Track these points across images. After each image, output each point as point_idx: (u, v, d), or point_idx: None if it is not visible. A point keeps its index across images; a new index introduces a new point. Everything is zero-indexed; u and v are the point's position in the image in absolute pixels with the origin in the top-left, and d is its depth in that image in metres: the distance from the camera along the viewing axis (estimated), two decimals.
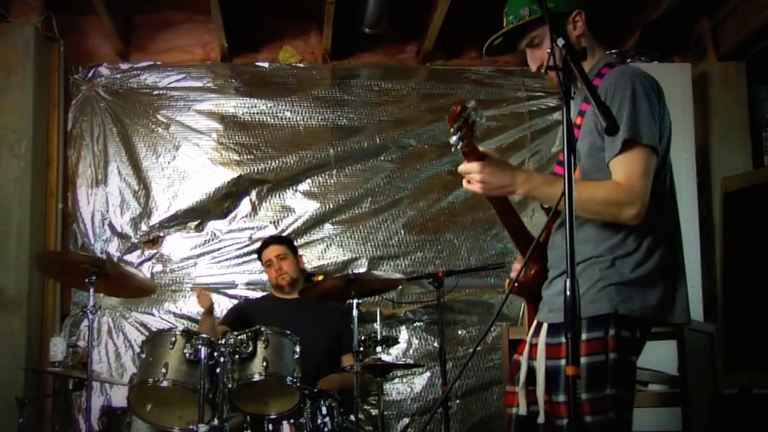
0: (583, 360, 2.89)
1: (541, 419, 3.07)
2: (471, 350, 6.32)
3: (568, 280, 2.51)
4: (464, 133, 2.89)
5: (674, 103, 6.39)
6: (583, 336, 2.89)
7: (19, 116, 6.17)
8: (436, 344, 6.23)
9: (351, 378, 4.86)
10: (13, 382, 5.82)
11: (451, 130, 2.91)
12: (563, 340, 2.97)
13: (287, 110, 6.65)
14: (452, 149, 2.96)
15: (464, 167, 3.02)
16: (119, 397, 5.94)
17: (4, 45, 6.23)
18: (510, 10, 3.25)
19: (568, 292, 2.50)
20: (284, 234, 6.41)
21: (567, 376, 2.48)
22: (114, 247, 6.46)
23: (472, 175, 3.00)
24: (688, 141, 6.25)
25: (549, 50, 2.63)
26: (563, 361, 2.96)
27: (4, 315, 5.97)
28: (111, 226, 6.48)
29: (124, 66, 6.68)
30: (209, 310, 5.82)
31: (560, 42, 2.59)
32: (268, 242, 5.99)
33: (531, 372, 3.15)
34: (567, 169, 2.51)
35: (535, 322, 3.23)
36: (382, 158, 6.66)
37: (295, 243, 6.28)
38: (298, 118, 6.65)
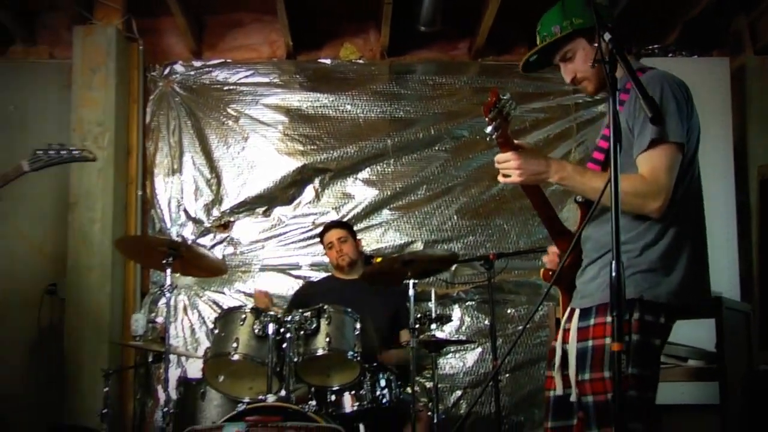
0: (607, 341, 2.93)
1: (573, 398, 3.09)
2: (519, 328, 6.30)
3: (613, 262, 2.51)
4: (499, 123, 2.92)
5: (713, 95, 6.33)
6: (608, 319, 2.91)
7: (102, 111, 6.22)
8: (486, 322, 6.24)
9: (408, 353, 4.83)
10: (99, 355, 5.91)
11: (487, 119, 2.92)
12: (591, 322, 3.01)
13: (348, 104, 6.64)
14: (487, 138, 3.00)
15: (501, 156, 3.06)
16: (194, 369, 6.01)
17: (89, 45, 6.27)
18: (542, 28, 3.26)
19: (614, 273, 2.51)
20: (345, 219, 6.39)
21: (612, 351, 2.50)
22: (188, 231, 6.51)
23: (509, 163, 3.04)
24: (726, 131, 6.23)
25: (596, 44, 2.62)
26: (590, 342, 3.02)
27: (91, 293, 6.04)
28: (186, 211, 6.54)
29: (197, 63, 6.71)
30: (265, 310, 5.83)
31: (606, 36, 2.58)
32: (329, 226, 5.99)
33: (565, 356, 3.16)
34: (613, 157, 2.53)
35: (568, 309, 3.24)
36: (437, 148, 6.62)
37: (355, 227, 6.27)
38: (358, 111, 6.64)
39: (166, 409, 4.69)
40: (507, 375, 6.24)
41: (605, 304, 2.70)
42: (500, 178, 3.10)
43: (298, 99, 6.65)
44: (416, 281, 4.92)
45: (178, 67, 6.68)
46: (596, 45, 2.65)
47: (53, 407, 6.02)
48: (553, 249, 3.39)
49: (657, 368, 3.04)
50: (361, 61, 6.78)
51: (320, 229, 6.12)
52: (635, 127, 2.99)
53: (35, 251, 6.37)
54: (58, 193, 6.26)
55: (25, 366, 6.22)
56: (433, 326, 5.41)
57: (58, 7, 6.53)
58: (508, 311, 6.39)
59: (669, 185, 2.94)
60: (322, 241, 5.98)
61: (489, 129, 2.97)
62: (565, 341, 3.17)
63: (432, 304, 5.45)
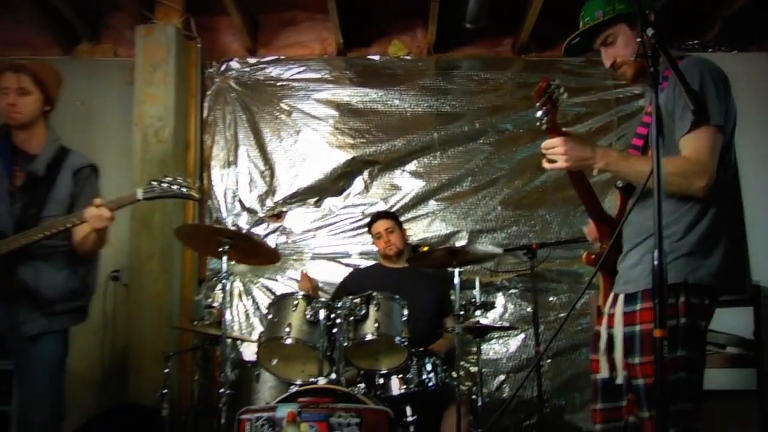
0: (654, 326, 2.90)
1: (620, 380, 3.11)
2: (561, 315, 6.29)
3: (656, 251, 2.52)
4: (548, 108, 2.96)
5: (752, 90, 6.26)
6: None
7: (163, 106, 6.30)
8: (529, 309, 6.24)
9: (453, 339, 4.86)
10: (159, 338, 5.99)
11: (537, 104, 2.95)
12: (637, 307, 3.01)
13: (396, 98, 6.67)
14: (537, 123, 3.08)
15: (548, 142, 3.09)
16: (249, 352, 6.06)
17: (150, 44, 6.36)
18: (585, 13, 3.29)
19: (655, 261, 2.52)
20: (392, 210, 6.43)
21: (655, 338, 2.50)
22: (243, 221, 6.58)
23: (556, 149, 3.06)
24: (765, 125, 6.10)
25: (639, 39, 2.64)
26: (638, 327, 3.03)
27: (152, 278, 6.13)
28: (241, 202, 6.60)
29: (251, 60, 6.77)
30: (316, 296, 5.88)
31: (650, 32, 2.59)
32: (377, 217, 6.03)
33: (610, 339, 3.17)
34: (656, 148, 2.52)
35: (612, 294, 3.24)
36: (481, 141, 6.63)
37: (402, 218, 6.34)
38: (406, 106, 6.66)
39: (222, 390, 4.71)
40: (549, 360, 6.25)
41: (650, 289, 2.70)
42: (546, 164, 3.12)
43: (348, 94, 6.69)
44: (461, 269, 4.93)
45: (234, 64, 6.75)
46: (638, 37, 2.66)
47: (117, 387, 6.15)
48: (591, 225, 3.43)
49: (704, 351, 3.06)
50: (408, 58, 6.80)
51: (368, 219, 6.17)
52: (676, 111, 3.00)
53: None
54: (122, 184, 6.34)
55: (91, 347, 6.34)
56: (478, 313, 5.44)
57: (122, 8, 6.63)
58: (550, 299, 6.39)
59: (713, 165, 2.94)
60: (369, 231, 6.04)
61: (539, 114, 3.02)
62: (609, 326, 3.17)
63: (476, 292, 5.50)
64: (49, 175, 4.10)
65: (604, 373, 3.18)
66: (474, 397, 5.11)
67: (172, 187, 3.83)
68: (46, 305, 3.99)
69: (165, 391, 5.08)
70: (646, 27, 2.62)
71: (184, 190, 3.85)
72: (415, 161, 6.62)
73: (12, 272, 3.91)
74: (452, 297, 4.88)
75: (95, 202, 3.84)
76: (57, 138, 4.25)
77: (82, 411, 6.06)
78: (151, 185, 3.85)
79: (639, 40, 2.65)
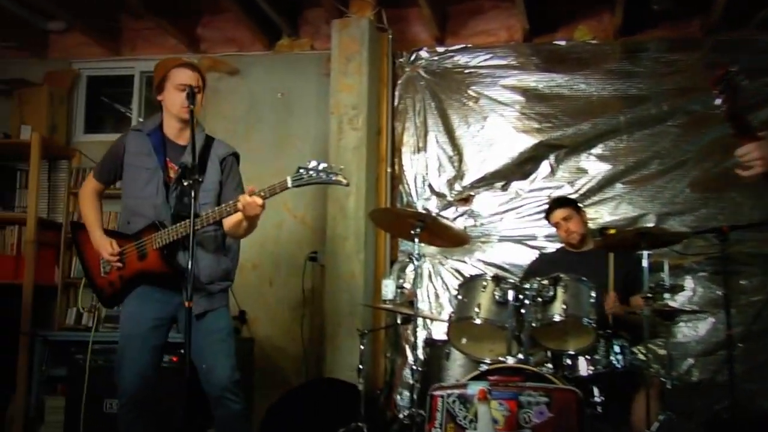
0: None
1: None
2: (753, 299, 5.96)
3: None
4: (727, 96, 2.79)
5: None
6: None
7: (357, 95, 6.39)
8: (718, 292, 5.96)
9: (640, 319, 4.70)
10: (354, 315, 6.11)
11: (715, 92, 2.79)
12: None
13: (581, 83, 6.50)
14: (719, 110, 2.95)
15: (741, 150, 2.89)
16: (438, 331, 6.08)
17: (345, 36, 6.46)
18: None
19: None
20: (578, 193, 6.30)
21: None
22: (433, 205, 6.61)
23: (751, 155, 2.88)
24: None
25: None
26: None
27: (347, 259, 6.24)
28: (430, 186, 6.64)
29: (440, 49, 6.77)
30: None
31: None
32: (552, 207, 5.78)
33: None
34: None
35: None
36: (669, 123, 6.35)
37: (588, 201, 6.24)
38: (592, 90, 6.48)
39: (414, 367, 4.78)
40: (740, 345, 5.93)
41: None
42: (740, 172, 2.92)
43: (534, 79, 6.57)
44: (650, 252, 4.76)
45: (424, 53, 6.77)
46: None
47: (315, 361, 6.34)
48: None
49: None
50: (594, 42, 6.59)
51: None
52: None
53: (299, 222, 6.69)
54: None
55: (289, 323, 6.56)
56: (667, 295, 5.24)
57: (319, 4, 6.78)
58: (741, 282, 6.05)
59: None
60: (548, 219, 5.83)
61: (718, 101, 2.85)
62: None
63: (665, 275, 5.30)
64: (199, 165, 4.14)
65: None
66: (662, 380, 4.93)
67: (320, 174, 3.80)
68: (205, 287, 4.12)
69: (361, 366, 5.15)
70: None
71: (332, 176, 3.81)
72: (601, 144, 6.43)
73: (174, 259, 4.04)
74: (640, 277, 4.71)
75: (249, 189, 3.86)
76: (203, 128, 4.32)
77: (284, 382, 6.32)
78: (299, 173, 3.82)
79: None
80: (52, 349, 6.39)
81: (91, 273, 4.32)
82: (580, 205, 5.87)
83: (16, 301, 6.41)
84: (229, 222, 4.10)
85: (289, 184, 3.83)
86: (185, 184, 3.99)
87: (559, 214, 5.68)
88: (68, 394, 5.85)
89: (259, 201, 3.83)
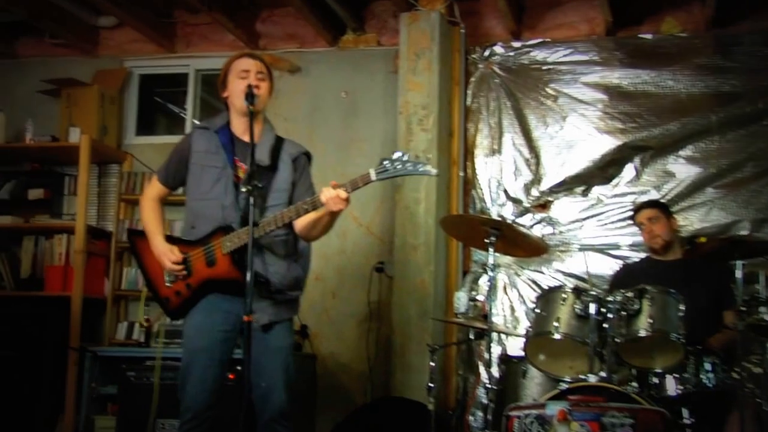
0: None
1: None
2: None
3: None
4: None
5: None
6: None
7: (427, 94, 6.51)
8: None
9: (733, 335, 4.78)
10: (424, 330, 6.22)
11: None
12: None
13: (669, 79, 6.55)
14: None
15: None
16: (514, 346, 6.10)
17: (415, 31, 6.58)
18: None
19: None
20: (665, 198, 6.35)
21: None
22: (508, 211, 6.71)
23: None
24: None
25: None
26: None
27: (416, 270, 6.35)
28: (505, 191, 6.75)
29: (516, 44, 6.88)
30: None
31: None
32: (641, 206, 5.89)
33: None
34: None
35: None
36: (765, 123, 6.39)
37: (677, 206, 6.26)
38: (680, 87, 6.53)
39: (488, 386, 4.87)
40: None
41: None
42: None
43: (617, 76, 6.65)
44: (744, 262, 4.77)
45: (498, 49, 6.89)
46: None
47: (381, 378, 6.49)
48: None
49: None
50: (683, 35, 6.64)
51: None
52: None
53: (364, 231, 6.88)
54: None
55: (355, 338, 6.73)
56: (762, 309, 5.29)
57: None
58: None
59: None
60: (634, 221, 5.91)
61: None
62: None
63: (761, 286, 5.31)
64: (271, 165, 4.28)
65: None
66: (758, 401, 4.96)
67: (406, 165, 3.84)
68: (274, 294, 4.21)
69: (431, 384, 5.19)
70: None
71: (419, 167, 3.85)
72: (690, 146, 6.48)
73: (244, 263, 3.92)
74: (733, 290, 4.77)
75: (331, 183, 3.93)
76: (272, 127, 4.44)
77: (348, 401, 6.45)
78: (383, 165, 3.87)
79: None
80: (102, 365, 6.51)
81: (155, 283, 4.42)
82: (671, 210, 5.93)
83: (64, 315, 6.60)
84: (302, 221, 4.17)
85: (373, 177, 3.88)
86: (243, 190, 4.00)
87: (646, 213, 5.75)
88: (119, 414, 6.04)
89: (344, 194, 3.90)
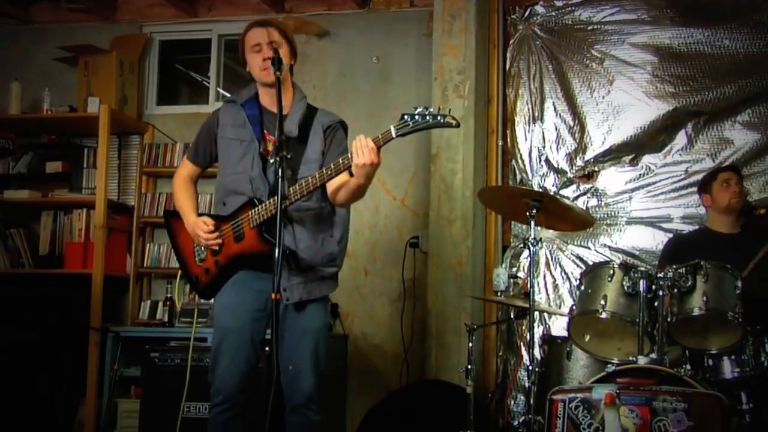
0: None
1: None
2: None
3: None
4: None
5: None
6: None
7: (463, 58, 6.44)
8: None
9: None
10: (461, 309, 6.18)
11: None
12: None
13: (725, 38, 6.39)
14: None
15: None
16: (557, 326, 6.17)
17: None
18: None
19: None
20: (723, 166, 6.17)
21: None
22: (550, 182, 6.65)
23: None
24: None
25: None
26: None
27: (453, 245, 6.31)
28: (547, 161, 6.66)
29: (558, 3, 6.75)
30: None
31: None
32: (719, 169, 5.88)
33: None
34: None
35: None
36: None
37: None
38: (738, 46, 6.37)
39: (530, 368, 4.81)
40: None
41: None
42: None
43: (668, 36, 6.50)
44: None
45: (539, 8, 6.77)
46: None
47: (416, 360, 6.44)
48: None
49: None
50: None
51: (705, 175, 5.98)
52: None
53: (397, 204, 6.82)
54: (418, 145, 6.60)
55: (389, 318, 6.68)
56: None
57: None
58: None
59: None
60: (706, 189, 5.81)
61: None
62: None
63: None
64: (301, 136, 4.24)
65: None
66: None
67: (427, 117, 3.79)
68: (306, 271, 4.18)
69: (469, 366, 5.17)
70: None
71: (440, 118, 3.79)
72: (748, 110, 6.35)
73: (272, 236, 3.92)
74: None
75: (358, 137, 3.87)
76: (304, 96, 4.40)
77: (382, 384, 6.45)
78: (403, 119, 3.82)
79: None
80: (125, 346, 6.51)
81: (186, 262, 4.44)
82: None
83: (84, 293, 6.61)
84: (333, 184, 4.12)
85: (393, 134, 3.83)
86: (270, 161, 4.03)
87: (727, 175, 5.72)
88: (143, 397, 6.02)
89: (371, 144, 3.82)
